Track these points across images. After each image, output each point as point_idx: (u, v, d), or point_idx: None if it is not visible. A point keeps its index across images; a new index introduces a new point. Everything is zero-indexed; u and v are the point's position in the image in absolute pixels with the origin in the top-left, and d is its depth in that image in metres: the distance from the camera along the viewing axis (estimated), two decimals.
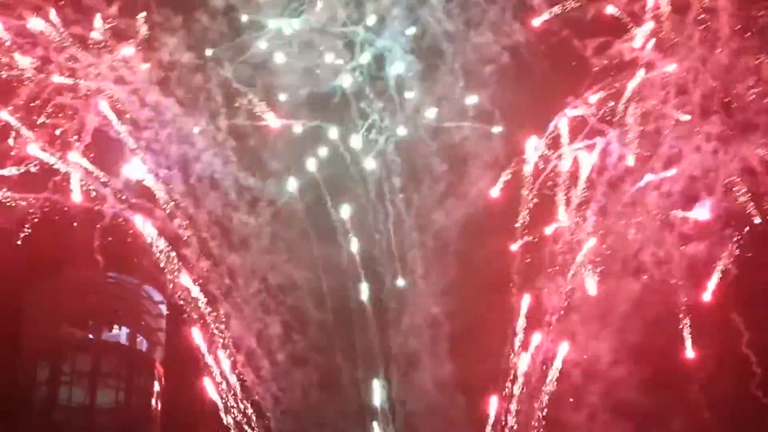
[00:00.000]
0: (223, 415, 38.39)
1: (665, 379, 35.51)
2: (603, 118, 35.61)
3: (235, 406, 40.08)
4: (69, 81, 36.98)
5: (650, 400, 35.57)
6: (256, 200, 40.37)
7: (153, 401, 43.35)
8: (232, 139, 39.90)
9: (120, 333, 43.90)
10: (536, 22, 36.92)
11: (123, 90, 38.41)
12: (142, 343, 43.97)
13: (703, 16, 33.59)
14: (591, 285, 35.64)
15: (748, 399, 34.74)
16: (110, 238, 37.21)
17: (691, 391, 35.31)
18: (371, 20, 40.07)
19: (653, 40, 34.79)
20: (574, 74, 35.68)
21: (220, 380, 39.53)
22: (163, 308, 43.87)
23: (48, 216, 37.29)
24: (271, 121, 40.06)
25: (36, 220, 36.76)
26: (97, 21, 37.06)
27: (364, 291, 39.93)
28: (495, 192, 37.08)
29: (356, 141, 40.46)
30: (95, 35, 37.76)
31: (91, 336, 43.26)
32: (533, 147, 35.43)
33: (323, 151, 40.45)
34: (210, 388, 37.52)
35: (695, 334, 34.95)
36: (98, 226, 36.44)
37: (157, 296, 43.70)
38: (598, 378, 35.79)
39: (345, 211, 40.02)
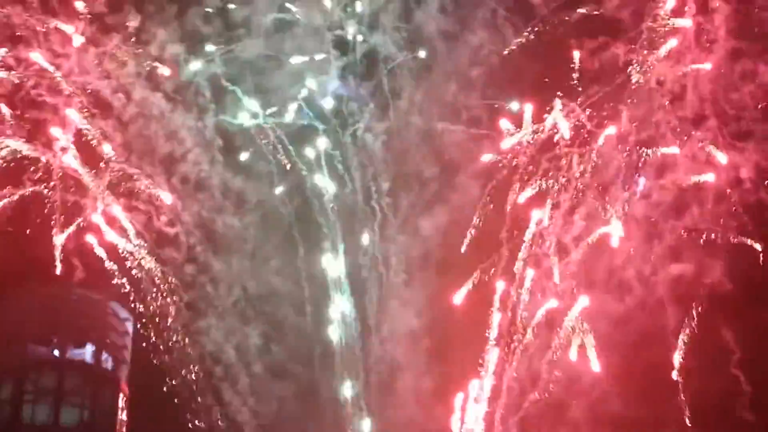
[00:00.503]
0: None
1: (653, 394, 39.76)
2: (599, 122, 40.11)
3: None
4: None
5: (637, 415, 39.34)
6: (241, 202, 45.04)
7: (118, 420, 47.03)
8: (219, 138, 44.96)
9: (85, 351, 47.61)
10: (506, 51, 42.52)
11: (108, 85, 42.87)
12: (108, 361, 47.87)
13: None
14: (593, 359, 39.54)
15: (736, 418, 38.44)
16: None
17: (678, 406, 39.29)
18: (364, 18, 45.06)
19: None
20: (568, 77, 39.98)
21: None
22: (129, 325, 47.86)
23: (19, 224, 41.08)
24: (260, 120, 45.26)
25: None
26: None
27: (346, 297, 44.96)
28: (463, 248, 41.33)
29: (345, 142, 45.56)
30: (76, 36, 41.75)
31: (55, 353, 47.11)
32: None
33: (311, 152, 45.72)
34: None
35: (684, 350, 39.03)
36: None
37: (123, 313, 47.72)
38: (583, 394, 39.66)
39: (331, 213, 45.09)
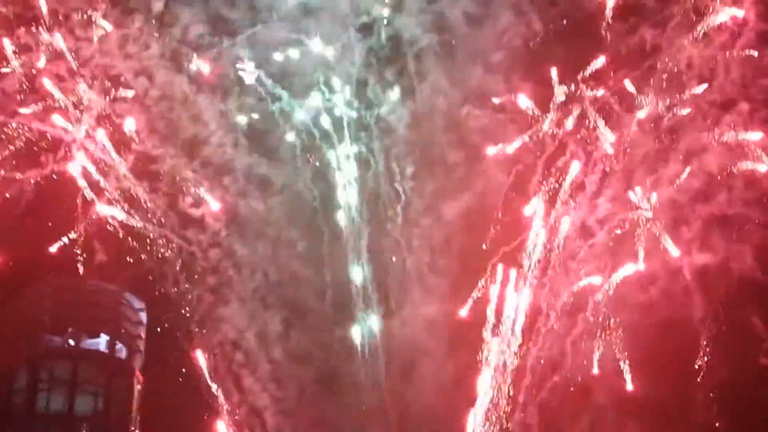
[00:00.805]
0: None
1: (679, 382, 41.74)
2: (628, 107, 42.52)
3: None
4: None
5: (663, 403, 41.73)
6: (265, 187, 47.43)
7: (132, 409, 49.36)
8: (243, 122, 47.30)
9: (99, 340, 49.78)
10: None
11: (130, 67, 45.59)
12: (122, 351, 49.89)
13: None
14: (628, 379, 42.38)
15: (764, 406, 40.74)
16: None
17: (703, 397, 41.91)
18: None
19: None
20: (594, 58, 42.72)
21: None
22: (143, 315, 49.91)
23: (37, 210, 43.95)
24: (284, 103, 47.61)
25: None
26: None
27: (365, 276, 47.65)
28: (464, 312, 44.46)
29: (369, 124, 47.93)
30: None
31: (71, 342, 49.29)
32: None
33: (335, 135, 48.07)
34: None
35: (712, 338, 41.54)
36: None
37: (137, 303, 49.80)
38: (606, 385, 42.09)
39: (353, 197, 47.77)
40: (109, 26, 45.34)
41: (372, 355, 47.78)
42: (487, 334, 43.96)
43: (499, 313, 44.29)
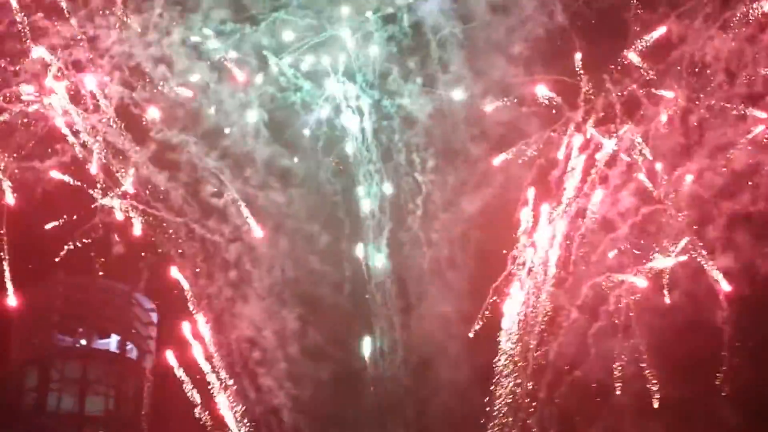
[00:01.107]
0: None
1: (701, 385, 44.01)
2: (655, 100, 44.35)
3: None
4: None
5: (680, 397, 43.97)
6: (286, 178, 49.92)
7: (142, 409, 52.30)
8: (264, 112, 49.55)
9: (110, 340, 52.90)
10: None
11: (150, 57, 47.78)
12: (132, 351, 52.84)
13: None
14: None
15: None
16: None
17: (725, 400, 43.97)
18: None
19: None
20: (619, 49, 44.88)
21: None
22: (154, 316, 52.57)
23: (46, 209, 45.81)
24: (305, 93, 49.95)
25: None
26: None
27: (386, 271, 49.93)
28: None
29: (390, 113, 50.24)
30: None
31: (82, 342, 52.57)
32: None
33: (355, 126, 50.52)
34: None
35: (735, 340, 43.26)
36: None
37: (148, 304, 52.40)
38: (626, 380, 44.47)
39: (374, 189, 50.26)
40: (129, 13, 47.80)
41: (390, 351, 50.17)
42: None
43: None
